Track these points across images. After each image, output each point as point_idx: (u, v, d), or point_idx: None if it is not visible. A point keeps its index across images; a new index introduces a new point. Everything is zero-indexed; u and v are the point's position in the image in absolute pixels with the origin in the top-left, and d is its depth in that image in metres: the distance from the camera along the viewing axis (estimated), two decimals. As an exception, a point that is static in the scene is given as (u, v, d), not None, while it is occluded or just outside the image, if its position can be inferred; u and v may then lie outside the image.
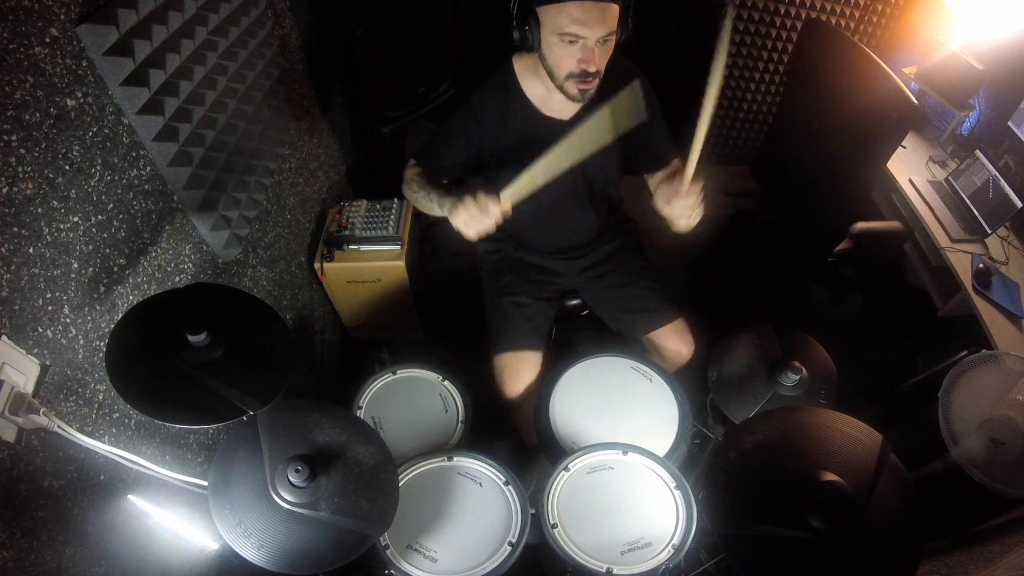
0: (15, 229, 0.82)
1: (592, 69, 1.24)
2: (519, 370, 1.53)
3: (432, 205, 1.32)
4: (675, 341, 1.59)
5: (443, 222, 1.25)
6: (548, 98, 1.39)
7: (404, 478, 1.23)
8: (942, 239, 1.96)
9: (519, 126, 1.40)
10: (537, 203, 1.52)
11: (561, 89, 1.30)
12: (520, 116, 1.40)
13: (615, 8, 1.19)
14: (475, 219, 1.15)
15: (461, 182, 1.45)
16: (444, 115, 1.43)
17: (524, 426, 1.61)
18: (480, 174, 1.49)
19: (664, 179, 1.44)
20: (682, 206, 1.23)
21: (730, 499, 0.97)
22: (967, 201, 2.06)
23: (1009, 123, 2.06)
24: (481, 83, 1.38)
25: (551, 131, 1.40)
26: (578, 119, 1.40)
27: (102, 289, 1.01)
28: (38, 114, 0.85)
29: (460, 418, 1.41)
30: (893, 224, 2.21)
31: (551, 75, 1.29)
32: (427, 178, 1.38)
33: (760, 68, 2.79)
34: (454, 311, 2.23)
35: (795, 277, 2.60)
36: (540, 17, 1.21)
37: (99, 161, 0.98)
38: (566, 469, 1.24)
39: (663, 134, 1.49)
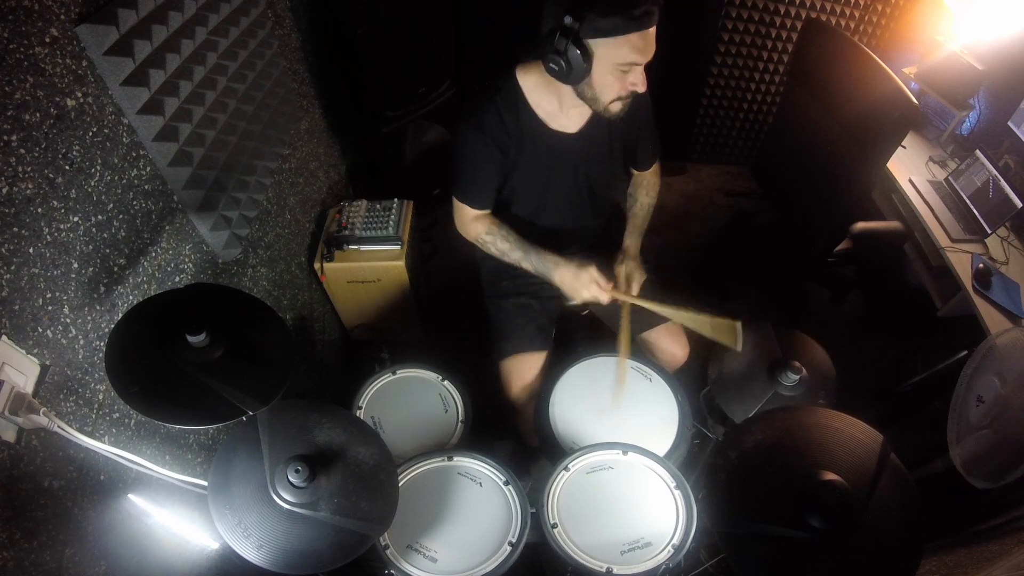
0: (15, 229, 0.82)
1: (642, 89, 1.24)
2: (525, 372, 1.53)
3: (526, 264, 1.45)
4: (670, 343, 1.59)
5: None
6: (558, 113, 1.38)
7: (404, 478, 1.23)
8: (942, 239, 1.96)
9: (529, 142, 1.40)
10: (540, 210, 1.53)
11: (604, 110, 1.29)
12: (530, 132, 1.39)
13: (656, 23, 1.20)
14: (599, 293, 1.37)
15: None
16: (461, 147, 1.40)
17: (527, 429, 1.61)
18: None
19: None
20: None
21: (730, 499, 0.97)
22: (967, 201, 2.06)
23: (1009, 123, 2.06)
24: (488, 102, 1.36)
25: (560, 144, 1.41)
26: (584, 132, 1.42)
27: (102, 289, 1.01)
28: (38, 114, 0.85)
29: (460, 418, 1.41)
30: (893, 224, 2.21)
31: (593, 100, 1.28)
32: (509, 236, 1.46)
33: (760, 68, 2.79)
34: (454, 311, 2.23)
35: (795, 277, 2.60)
36: (593, 50, 1.18)
37: (99, 161, 0.98)
38: (566, 469, 1.24)
39: (652, 135, 1.55)
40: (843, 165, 1.81)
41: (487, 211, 1.48)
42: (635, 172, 1.62)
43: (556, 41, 1.18)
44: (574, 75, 1.22)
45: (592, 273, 1.38)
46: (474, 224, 1.47)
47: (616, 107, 1.28)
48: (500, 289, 1.62)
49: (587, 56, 1.19)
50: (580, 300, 1.40)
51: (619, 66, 1.20)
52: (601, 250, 1.68)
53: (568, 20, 1.15)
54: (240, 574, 1.15)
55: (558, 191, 1.51)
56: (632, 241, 1.54)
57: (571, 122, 1.41)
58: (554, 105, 1.37)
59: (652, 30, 1.18)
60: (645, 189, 1.62)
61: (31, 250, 0.85)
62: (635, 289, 1.45)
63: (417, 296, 2.09)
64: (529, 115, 1.38)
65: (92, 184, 0.97)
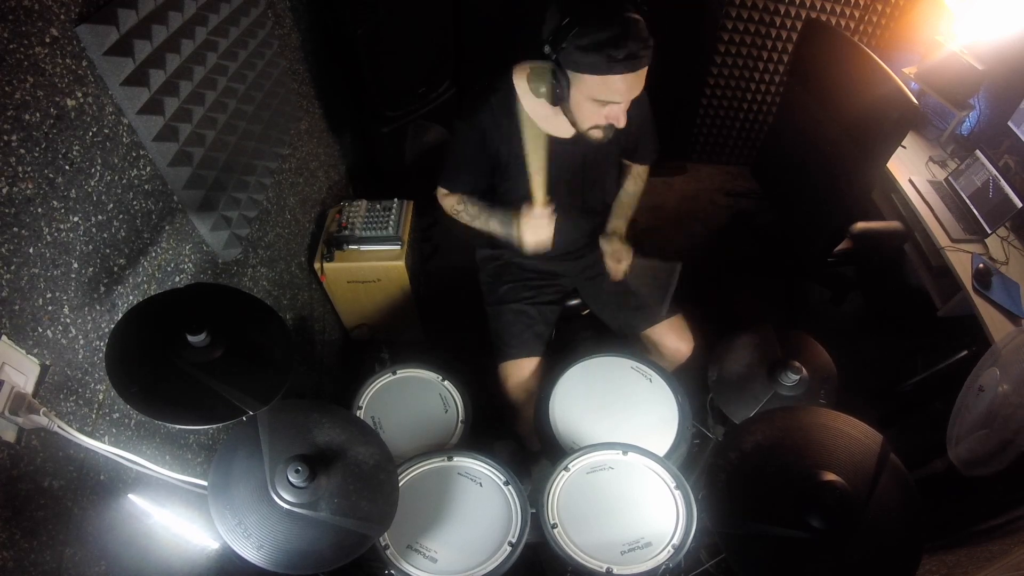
0: (15, 229, 0.82)
1: (621, 125, 1.24)
2: (523, 376, 1.54)
3: (493, 224, 1.47)
4: (674, 338, 1.59)
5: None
6: (552, 118, 1.38)
7: (404, 478, 1.23)
8: (942, 239, 1.96)
9: (521, 142, 1.40)
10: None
11: (585, 134, 1.30)
12: (524, 133, 1.38)
13: (646, 66, 1.18)
14: (539, 227, 1.35)
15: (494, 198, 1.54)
16: (454, 139, 1.45)
17: (527, 431, 1.61)
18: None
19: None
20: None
21: (730, 499, 0.97)
22: (967, 201, 2.06)
23: (1009, 123, 2.06)
24: (484, 101, 1.36)
25: (554, 147, 1.40)
26: (578, 137, 1.41)
27: (102, 289, 1.01)
28: (38, 114, 0.85)
29: (460, 418, 1.41)
30: (893, 224, 2.21)
31: (574, 123, 1.30)
32: (477, 203, 1.49)
33: (760, 68, 2.79)
34: (454, 311, 2.23)
35: (795, 277, 2.60)
36: (572, 79, 1.18)
37: (99, 161, 0.98)
38: (566, 469, 1.24)
39: (653, 135, 1.56)
40: (843, 165, 1.81)
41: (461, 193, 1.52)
42: (627, 163, 1.64)
43: (551, 62, 1.18)
44: (552, 98, 1.23)
45: (530, 213, 1.35)
46: (447, 199, 1.54)
47: (596, 134, 1.29)
48: (498, 296, 1.63)
49: (566, 82, 1.19)
50: (536, 242, 1.37)
51: (596, 101, 1.20)
52: (596, 249, 1.69)
53: (547, 50, 1.15)
54: (240, 574, 1.16)
55: (553, 192, 1.50)
56: (618, 223, 1.58)
57: (564, 127, 1.40)
58: (547, 110, 1.37)
59: (638, 73, 1.15)
60: (633, 179, 1.65)
61: (31, 250, 0.85)
62: (624, 266, 1.48)
63: (417, 296, 2.09)
64: (524, 117, 1.38)
65: (92, 184, 0.97)
